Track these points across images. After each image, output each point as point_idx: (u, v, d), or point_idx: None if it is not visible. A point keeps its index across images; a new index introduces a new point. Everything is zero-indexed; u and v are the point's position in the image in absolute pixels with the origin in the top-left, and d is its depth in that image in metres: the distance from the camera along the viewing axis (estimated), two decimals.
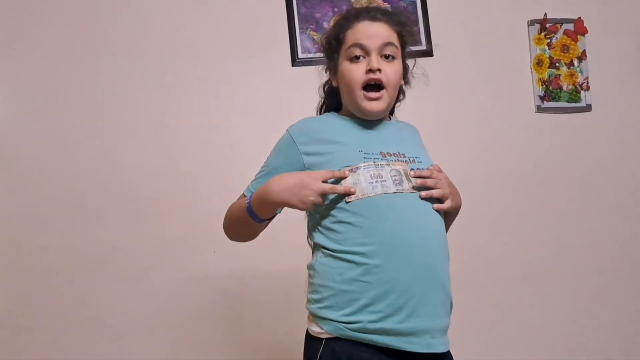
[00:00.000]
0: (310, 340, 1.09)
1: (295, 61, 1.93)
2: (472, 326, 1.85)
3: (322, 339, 1.05)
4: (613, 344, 1.98)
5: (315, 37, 1.94)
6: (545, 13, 2.06)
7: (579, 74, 2.07)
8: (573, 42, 2.08)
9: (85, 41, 1.87)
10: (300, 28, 1.94)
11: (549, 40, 2.06)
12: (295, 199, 1.06)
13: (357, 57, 1.14)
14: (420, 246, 1.05)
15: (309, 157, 1.13)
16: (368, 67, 1.12)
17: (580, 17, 2.08)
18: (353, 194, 1.06)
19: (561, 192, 2.03)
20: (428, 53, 1.95)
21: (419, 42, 1.96)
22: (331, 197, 1.09)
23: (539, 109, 2.04)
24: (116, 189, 1.83)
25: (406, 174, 1.10)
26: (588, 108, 2.07)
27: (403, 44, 1.20)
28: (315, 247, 1.14)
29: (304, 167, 1.13)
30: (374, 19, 1.16)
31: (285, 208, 1.12)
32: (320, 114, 1.32)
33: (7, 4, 1.85)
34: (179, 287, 1.82)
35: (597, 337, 1.98)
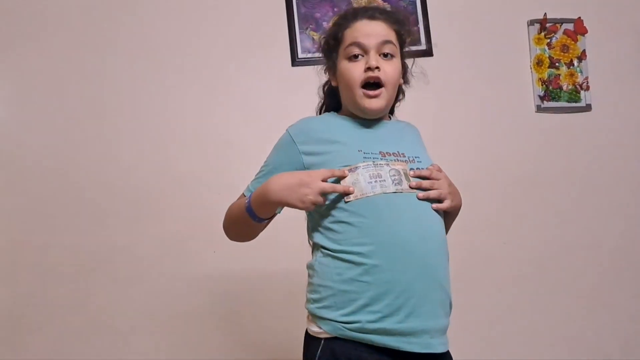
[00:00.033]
0: (310, 340, 1.09)
1: (295, 61, 1.93)
2: (472, 326, 1.84)
3: (321, 338, 1.05)
4: (612, 344, 1.98)
5: (315, 37, 1.94)
6: (545, 13, 2.06)
7: (579, 74, 2.07)
8: (573, 42, 2.08)
9: (86, 41, 1.87)
10: (300, 28, 1.95)
11: (548, 40, 2.06)
12: (294, 198, 1.06)
13: (356, 56, 1.14)
14: (419, 246, 1.05)
15: (308, 156, 1.13)
16: (367, 66, 1.12)
17: (580, 17, 2.08)
18: (352, 193, 1.06)
19: (561, 192, 2.03)
20: (428, 53, 1.96)
21: (418, 42, 1.96)
22: (331, 196, 1.08)
23: (539, 109, 2.04)
24: (116, 189, 1.83)
25: (405, 174, 1.10)
26: (588, 108, 2.07)
27: (402, 43, 1.20)
28: (315, 247, 1.14)
29: (304, 167, 1.13)
30: (372, 17, 1.16)
31: (285, 208, 1.12)
32: (320, 114, 1.32)
33: (8, 4, 1.85)
34: (179, 287, 1.82)
35: (597, 336, 1.98)
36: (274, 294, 1.82)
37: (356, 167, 1.08)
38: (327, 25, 1.92)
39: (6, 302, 1.77)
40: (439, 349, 1.06)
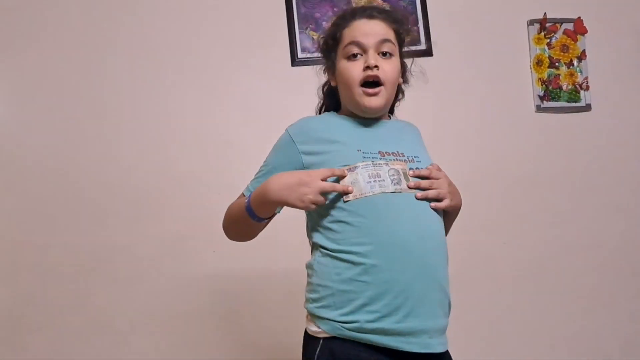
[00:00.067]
0: (309, 339, 1.09)
1: (295, 61, 1.93)
2: (472, 326, 1.84)
3: (320, 338, 1.05)
4: (612, 344, 1.98)
5: (314, 37, 1.94)
6: (545, 13, 2.06)
7: (579, 74, 2.07)
8: (573, 42, 2.08)
9: (86, 41, 1.88)
10: (299, 28, 1.95)
11: (548, 40, 2.06)
12: (293, 197, 1.06)
13: (355, 55, 1.14)
14: (418, 246, 1.05)
15: (307, 156, 1.13)
16: (365, 64, 1.12)
17: (580, 17, 2.08)
18: (351, 192, 1.06)
19: (561, 191, 2.02)
20: (427, 53, 1.95)
21: (418, 42, 1.96)
22: (330, 196, 1.08)
23: (539, 109, 2.04)
24: (116, 189, 1.83)
25: (405, 174, 1.10)
26: (588, 108, 2.07)
27: (400, 42, 1.20)
28: (314, 246, 1.14)
29: (303, 167, 1.13)
30: (370, 16, 1.16)
31: (285, 207, 1.12)
32: (319, 114, 1.32)
33: (8, 4, 1.86)
34: (179, 287, 1.82)
35: (597, 336, 1.98)
36: (274, 293, 1.83)
37: (355, 167, 1.08)
38: (326, 25, 1.92)
39: (6, 302, 1.77)
40: (438, 349, 1.06)
